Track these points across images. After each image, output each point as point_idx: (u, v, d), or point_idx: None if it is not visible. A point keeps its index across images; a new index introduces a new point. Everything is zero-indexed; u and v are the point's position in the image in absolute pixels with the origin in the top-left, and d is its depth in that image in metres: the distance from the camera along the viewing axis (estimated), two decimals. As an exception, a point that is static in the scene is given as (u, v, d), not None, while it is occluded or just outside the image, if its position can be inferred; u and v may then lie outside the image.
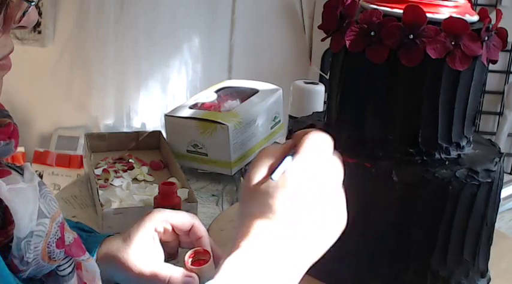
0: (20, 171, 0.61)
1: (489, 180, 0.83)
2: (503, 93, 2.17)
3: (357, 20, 0.82)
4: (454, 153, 0.85)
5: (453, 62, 0.79)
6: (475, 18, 0.84)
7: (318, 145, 0.60)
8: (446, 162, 0.84)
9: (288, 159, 0.59)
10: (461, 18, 0.79)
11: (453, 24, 0.78)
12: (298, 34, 2.32)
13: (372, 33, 0.80)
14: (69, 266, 0.64)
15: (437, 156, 0.84)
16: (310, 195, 0.58)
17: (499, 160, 0.85)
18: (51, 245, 0.60)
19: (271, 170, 0.59)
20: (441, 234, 0.83)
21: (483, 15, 0.83)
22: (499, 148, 0.90)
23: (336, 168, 0.61)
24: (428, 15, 0.79)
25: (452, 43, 0.78)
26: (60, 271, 0.63)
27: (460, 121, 0.85)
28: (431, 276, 0.85)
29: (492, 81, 2.13)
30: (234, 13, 2.27)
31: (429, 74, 0.81)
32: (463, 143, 0.86)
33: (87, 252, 0.67)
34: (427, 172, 0.81)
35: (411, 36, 0.78)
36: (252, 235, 0.55)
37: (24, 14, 0.55)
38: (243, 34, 2.30)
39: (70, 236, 0.64)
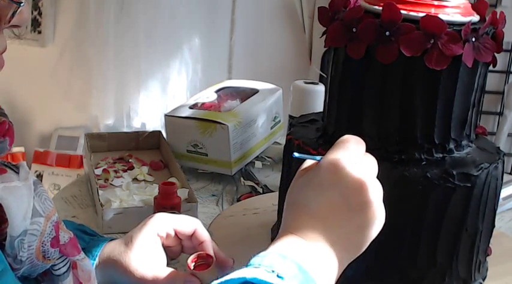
0: (16, 169, 0.60)
1: (468, 185, 0.81)
2: (503, 93, 2.17)
3: (341, 16, 0.83)
4: (438, 155, 0.84)
5: (430, 61, 0.78)
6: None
7: (350, 145, 0.62)
8: (424, 162, 0.83)
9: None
10: (438, 17, 0.78)
11: (429, 23, 0.78)
12: (298, 34, 2.32)
13: (354, 30, 0.81)
14: (64, 265, 0.64)
15: (417, 156, 0.83)
16: (347, 189, 0.59)
17: (488, 167, 0.83)
18: (45, 244, 0.60)
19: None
20: (409, 233, 0.83)
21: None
22: (501, 156, 0.87)
23: (369, 163, 0.63)
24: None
25: (431, 42, 0.78)
26: (55, 270, 0.63)
27: (443, 123, 0.83)
28: (399, 275, 0.85)
29: (492, 81, 2.13)
30: (234, 13, 2.26)
31: (406, 72, 0.81)
32: (451, 145, 0.85)
33: (82, 252, 0.67)
34: (394, 169, 0.81)
35: (387, 33, 0.78)
36: (299, 224, 0.59)
37: (14, 14, 0.54)
38: (243, 34, 2.30)
39: (65, 235, 0.64)
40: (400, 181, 0.81)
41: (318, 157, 0.63)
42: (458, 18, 0.81)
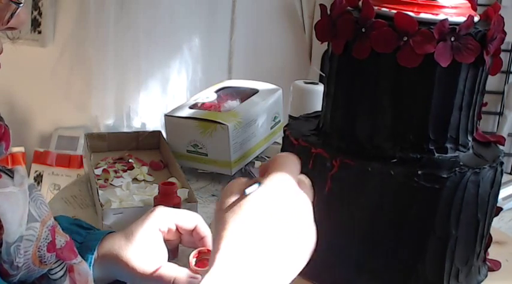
0: (11, 174, 0.60)
1: (436, 186, 0.80)
2: (503, 93, 2.17)
3: (330, 13, 0.85)
4: (415, 154, 0.83)
5: (401, 58, 0.79)
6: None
7: (283, 169, 0.58)
8: (394, 160, 0.82)
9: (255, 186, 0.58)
10: (408, 14, 0.78)
11: (401, 20, 0.78)
12: (298, 34, 2.32)
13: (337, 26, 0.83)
14: (61, 269, 0.64)
15: (390, 153, 0.83)
16: (275, 217, 0.55)
17: (465, 171, 0.80)
18: (42, 249, 0.60)
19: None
20: (367, 226, 0.83)
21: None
22: (495, 165, 0.84)
23: (303, 193, 0.59)
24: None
25: (404, 39, 0.78)
26: (52, 274, 0.63)
27: (420, 123, 0.83)
28: (358, 267, 0.85)
29: (492, 81, 2.13)
30: (234, 13, 2.26)
31: (377, 69, 0.81)
32: (431, 146, 0.83)
33: (79, 255, 0.66)
34: (355, 163, 0.81)
35: (363, 30, 0.80)
36: (221, 258, 0.53)
37: (12, 15, 0.54)
38: (243, 34, 2.30)
39: (62, 239, 0.64)
40: (361, 175, 0.81)
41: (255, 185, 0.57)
42: (443, 17, 0.80)
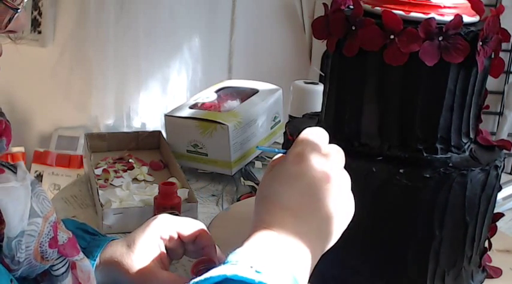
0: (13, 169, 0.60)
1: (418, 185, 0.79)
2: (503, 93, 2.17)
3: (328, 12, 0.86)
4: (402, 153, 0.82)
5: (387, 56, 0.79)
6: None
7: (313, 137, 0.62)
8: (380, 158, 0.82)
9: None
10: (394, 12, 0.78)
11: (388, 19, 0.78)
12: (298, 34, 2.32)
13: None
14: (63, 266, 0.64)
15: (377, 151, 0.83)
16: (314, 179, 0.60)
17: (450, 172, 0.79)
18: (43, 245, 0.60)
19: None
20: (355, 225, 0.82)
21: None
22: (488, 168, 0.82)
23: (334, 153, 0.62)
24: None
25: (391, 37, 0.78)
26: (54, 270, 0.63)
27: (408, 122, 0.82)
28: (338, 261, 0.83)
29: (492, 81, 2.12)
30: (234, 13, 2.27)
31: (365, 66, 0.82)
32: (419, 146, 0.82)
33: (81, 252, 0.66)
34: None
35: (353, 28, 0.80)
36: (270, 218, 0.59)
37: (10, 19, 0.54)
38: (243, 34, 2.30)
39: (64, 235, 0.63)
40: (351, 175, 0.81)
41: (283, 150, 0.64)
42: (436, 17, 0.79)
